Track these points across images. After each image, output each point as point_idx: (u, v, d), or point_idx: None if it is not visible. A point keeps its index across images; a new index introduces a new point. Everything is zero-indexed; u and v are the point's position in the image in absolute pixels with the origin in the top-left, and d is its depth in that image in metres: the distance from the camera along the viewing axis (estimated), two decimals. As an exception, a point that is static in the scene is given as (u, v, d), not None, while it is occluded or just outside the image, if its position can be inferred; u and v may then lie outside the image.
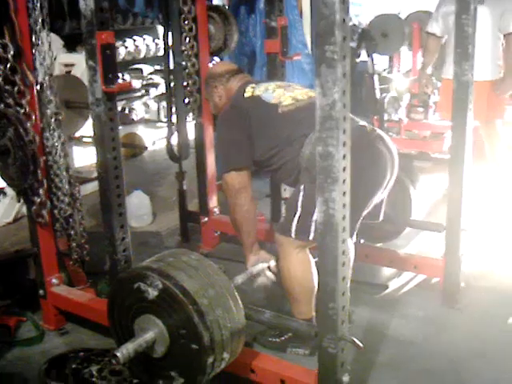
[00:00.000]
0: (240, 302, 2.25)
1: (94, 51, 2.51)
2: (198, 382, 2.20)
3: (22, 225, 4.23)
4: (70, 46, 6.47)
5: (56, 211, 3.04)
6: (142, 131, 7.42)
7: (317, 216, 2.44)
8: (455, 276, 3.24)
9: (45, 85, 2.93)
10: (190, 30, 3.58)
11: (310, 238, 2.66)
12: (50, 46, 2.97)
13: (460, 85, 2.99)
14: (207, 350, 2.11)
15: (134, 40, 8.34)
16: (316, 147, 2.03)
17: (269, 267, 2.92)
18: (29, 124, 2.80)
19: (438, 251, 3.36)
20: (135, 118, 8.11)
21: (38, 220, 2.96)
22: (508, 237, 4.09)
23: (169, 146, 3.75)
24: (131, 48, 8.23)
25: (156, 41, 8.67)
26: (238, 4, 5.09)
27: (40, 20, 2.89)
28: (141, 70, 8.42)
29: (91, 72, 2.55)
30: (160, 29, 8.79)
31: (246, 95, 2.99)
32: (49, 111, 2.96)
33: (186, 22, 3.55)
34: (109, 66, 2.52)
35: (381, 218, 3.01)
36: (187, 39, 3.59)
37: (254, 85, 3.05)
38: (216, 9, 3.84)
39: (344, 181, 2.04)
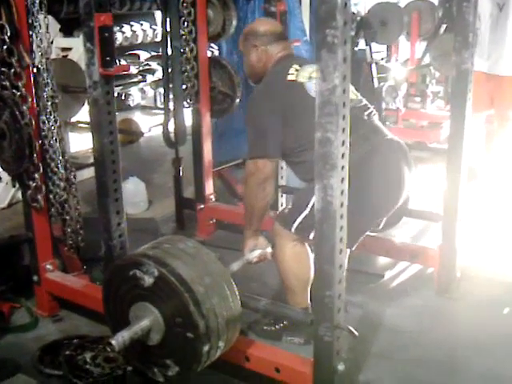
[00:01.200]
0: (236, 290, 2.23)
1: (91, 33, 2.48)
2: (193, 371, 2.19)
3: (17, 210, 4.20)
4: (67, 30, 6.41)
5: (51, 196, 3.02)
6: (138, 117, 7.39)
7: None
8: (451, 266, 3.24)
9: (42, 67, 2.90)
10: (189, 14, 3.55)
11: (310, 237, 2.61)
12: (47, 28, 2.94)
13: (460, 74, 2.97)
14: (203, 339, 2.09)
15: (131, 25, 8.27)
16: (315, 132, 2.01)
17: (265, 254, 2.89)
18: (25, 107, 2.76)
19: (435, 241, 3.35)
20: (131, 104, 8.07)
21: (33, 205, 2.93)
22: (504, 227, 4.08)
23: (165, 132, 3.72)
24: (128, 33, 8.15)
25: (153, 26, 8.60)
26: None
27: (37, 1, 2.86)
28: (138, 56, 8.36)
29: (89, 54, 2.52)
30: (157, 14, 8.74)
31: (289, 78, 2.79)
32: (45, 94, 2.94)
33: (185, 6, 3.52)
34: (107, 48, 2.49)
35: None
36: (186, 24, 3.55)
37: (298, 66, 2.83)
38: (215, -8, 3.80)
39: (343, 167, 2.02)
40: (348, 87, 1.98)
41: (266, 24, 3.05)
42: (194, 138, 3.90)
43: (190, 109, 3.83)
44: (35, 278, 3.11)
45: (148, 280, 2.13)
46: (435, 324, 3.07)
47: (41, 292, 3.14)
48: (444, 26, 6.87)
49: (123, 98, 7.93)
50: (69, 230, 3.13)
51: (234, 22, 3.81)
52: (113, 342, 2.11)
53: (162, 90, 8.13)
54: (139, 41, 8.41)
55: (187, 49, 3.60)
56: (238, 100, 3.80)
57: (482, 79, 4.47)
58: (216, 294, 2.15)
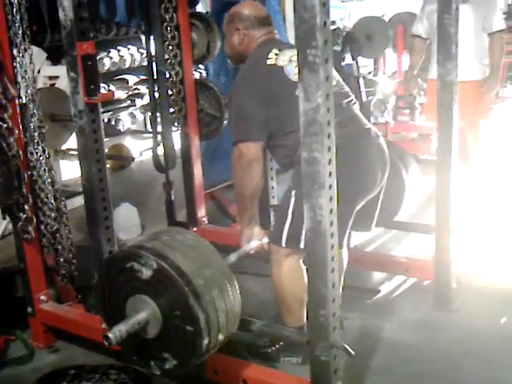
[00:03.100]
0: (236, 282, 2.21)
1: (74, 62, 2.50)
2: (191, 364, 2.17)
3: (10, 242, 4.17)
4: (54, 58, 6.43)
5: (42, 227, 3.00)
6: (129, 142, 7.38)
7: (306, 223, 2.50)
8: (446, 277, 3.22)
9: (27, 98, 2.89)
10: (173, 38, 3.55)
11: (301, 246, 2.61)
12: (31, 58, 2.94)
13: (444, 85, 2.98)
14: (202, 332, 2.06)
15: (119, 50, 8.29)
16: (302, 152, 2.01)
17: (262, 245, 2.85)
18: (12, 139, 2.76)
19: (428, 253, 3.34)
20: (122, 129, 8.07)
21: (25, 236, 2.92)
22: (496, 237, 4.08)
23: (155, 156, 3.72)
24: (116, 58, 8.17)
25: (140, 50, 8.62)
26: (220, 11, 5.05)
27: (20, 32, 2.86)
28: (126, 81, 8.38)
29: (73, 84, 2.53)
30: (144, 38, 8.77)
31: (269, 62, 2.77)
32: (32, 125, 2.92)
33: (169, 30, 3.52)
34: (90, 76, 2.50)
35: (372, 228, 2.98)
36: (170, 47, 3.56)
37: (277, 50, 2.80)
38: (198, 16, 3.81)
39: (330, 186, 2.02)
40: (332, 106, 1.99)
41: (251, 7, 3.00)
42: (183, 161, 3.90)
43: (179, 132, 3.82)
44: (29, 309, 3.09)
45: (146, 272, 2.10)
46: (434, 337, 3.05)
47: (36, 323, 3.11)
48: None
49: (113, 123, 7.93)
50: (61, 259, 3.10)
51: (219, 44, 3.81)
52: (110, 335, 2.07)
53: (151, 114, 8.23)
54: (127, 65, 8.43)
55: (173, 72, 3.60)
56: (225, 121, 3.79)
57: None
58: (216, 286, 2.12)
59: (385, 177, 2.83)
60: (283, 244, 2.69)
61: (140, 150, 6.89)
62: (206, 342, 2.08)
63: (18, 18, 2.83)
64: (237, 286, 2.21)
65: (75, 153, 6.43)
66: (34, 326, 3.13)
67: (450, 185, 3.08)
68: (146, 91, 7.98)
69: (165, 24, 3.53)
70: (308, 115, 1.95)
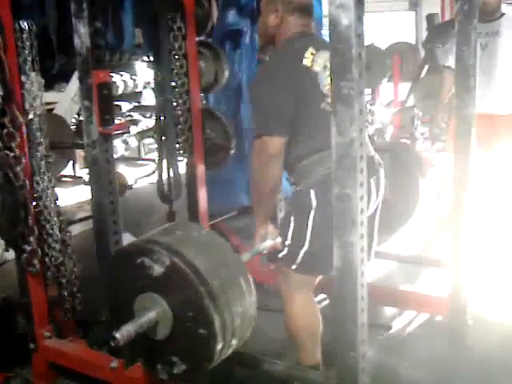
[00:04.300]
0: (252, 283, 2.08)
1: (89, 91, 2.41)
2: (203, 370, 2.04)
3: (6, 271, 4.06)
4: (47, 83, 6.31)
5: (47, 259, 2.89)
6: (122, 169, 7.27)
7: (306, 249, 2.53)
8: (462, 315, 3.14)
9: (35, 127, 2.80)
10: (181, 66, 3.48)
11: (293, 267, 2.58)
12: (39, 85, 2.86)
13: (462, 118, 2.94)
14: (217, 336, 1.92)
15: (112, 76, 8.23)
16: (332, 188, 1.94)
17: (276, 244, 2.71)
18: (19, 168, 2.67)
19: (440, 287, 3.28)
20: (115, 156, 7.96)
21: (29, 269, 2.80)
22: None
23: (160, 187, 3.62)
24: (109, 85, 8.11)
25: (133, 77, 8.58)
26: (223, 40, 5.02)
27: (29, 59, 2.78)
28: (119, 107, 8.31)
29: (86, 113, 2.46)
30: (138, 65, 8.73)
31: (305, 63, 2.58)
32: (39, 154, 2.83)
33: (177, 59, 3.45)
34: (105, 106, 2.44)
35: (371, 257, 2.87)
36: (178, 76, 3.49)
37: (314, 50, 2.60)
38: (206, 45, 3.75)
39: (362, 223, 1.94)
40: (365, 140, 1.92)
41: None
42: (188, 191, 3.80)
43: (184, 162, 3.74)
44: (32, 345, 2.96)
45: (158, 269, 1.97)
46: (450, 375, 2.97)
47: (38, 360, 2.97)
48: (426, 68, 6.95)
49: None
50: (65, 293, 2.99)
51: (226, 73, 3.75)
52: (117, 335, 1.94)
53: (146, 141, 8.15)
54: (120, 92, 8.37)
55: (180, 101, 3.52)
56: (232, 151, 3.72)
57: None
58: (232, 287, 2.00)
59: (377, 208, 2.75)
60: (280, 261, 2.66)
61: (134, 177, 6.82)
62: (219, 346, 1.95)
63: (27, 44, 2.76)
64: (253, 288, 2.08)
65: (69, 179, 6.37)
66: (36, 362, 2.99)
67: (467, 219, 3.02)
68: (140, 118, 7.96)
69: (173, 52, 3.46)
70: (341, 149, 1.88)
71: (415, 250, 4.42)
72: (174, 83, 3.50)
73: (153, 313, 2.00)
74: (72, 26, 2.60)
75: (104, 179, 2.48)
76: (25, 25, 2.77)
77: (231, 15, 5.03)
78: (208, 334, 1.93)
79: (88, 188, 2.76)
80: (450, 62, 4.87)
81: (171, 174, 3.58)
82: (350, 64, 1.81)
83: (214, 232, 2.20)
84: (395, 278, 3.90)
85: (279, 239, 2.68)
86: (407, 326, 3.47)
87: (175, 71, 3.48)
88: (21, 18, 2.78)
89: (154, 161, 7.44)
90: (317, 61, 2.60)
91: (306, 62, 2.59)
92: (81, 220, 5.26)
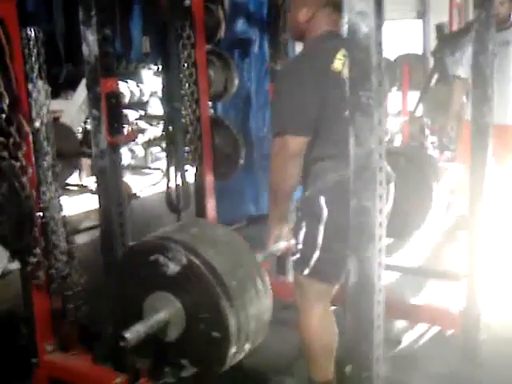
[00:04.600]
0: (268, 284, 2.01)
1: (97, 99, 2.35)
2: (213, 374, 1.96)
3: (10, 281, 4.00)
4: (53, 91, 6.26)
5: (52, 271, 2.83)
6: (128, 178, 7.22)
7: (318, 255, 2.51)
8: (475, 330, 3.07)
9: (42, 136, 2.74)
10: (191, 75, 3.43)
11: (305, 272, 2.54)
12: (46, 94, 2.80)
13: (479, 128, 2.87)
14: (231, 340, 1.86)
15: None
16: (350, 201, 1.87)
17: (290, 246, 2.64)
18: (25, 178, 2.61)
19: (452, 300, 3.21)
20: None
21: (34, 281, 2.74)
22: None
23: (168, 196, 3.56)
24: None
25: (140, 85, 8.53)
26: (231, 48, 4.96)
27: (36, 67, 2.73)
28: (126, 116, 8.25)
29: (95, 122, 2.39)
30: (144, 73, 8.68)
31: (336, 66, 2.49)
32: (45, 163, 2.77)
33: (186, 67, 3.40)
34: (114, 115, 2.37)
35: None
36: (187, 85, 3.43)
37: (345, 52, 2.46)
38: (216, 53, 3.69)
39: (380, 238, 1.87)
40: (384, 151, 1.85)
41: None
42: (197, 201, 3.74)
43: (193, 171, 3.68)
44: (34, 360, 2.89)
45: (173, 268, 1.90)
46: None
47: (40, 376, 2.90)
48: (435, 77, 6.90)
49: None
50: (71, 306, 2.92)
51: (236, 82, 3.70)
52: (127, 335, 1.86)
53: (153, 149, 8.09)
54: (126, 100, 8.31)
55: (189, 110, 3.46)
56: (241, 161, 3.66)
57: None
58: (249, 289, 1.94)
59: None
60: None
61: (140, 186, 6.76)
62: (233, 350, 1.88)
63: (34, 51, 2.70)
64: (270, 290, 2.02)
65: (74, 188, 6.30)
66: (37, 378, 2.92)
67: (482, 234, 2.95)
68: (147, 126, 7.90)
69: (182, 61, 3.41)
70: (359, 160, 1.81)
71: (426, 262, 4.34)
72: (183, 92, 3.45)
73: (164, 313, 1.93)
74: (79, 34, 2.54)
75: (112, 190, 2.41)
76: (32, 32, 2.72)
77: (240, 23, 4.97)
78: (222, 337, 1.87)
79: (94, 197, 2.71)
80: (461, 71, 4.82)
81: (180, 184, 3.52)
82: (369, 73, 1.74)
83: (230, 230, 2.13)
84: (405, 290, 3.81)
85: (293, 241, 2.61)
86: (418, 340, 3.39)
87: (184, 80, 3.43)
88: (28, 24, 2.74)
89: (160, 169, 7.41)
90: (348, 65, 2.51)
91: (337, 64, 2.50)
92: (87, 229, 5.21)
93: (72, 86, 5.44)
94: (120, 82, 7.97)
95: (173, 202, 3.58)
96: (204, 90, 3.52)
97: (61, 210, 2.84)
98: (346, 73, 2.46)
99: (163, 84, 3.48)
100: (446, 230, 4.84)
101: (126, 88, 8.32)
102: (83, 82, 4.75)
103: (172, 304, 1.92)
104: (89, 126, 2.42)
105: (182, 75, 3.41)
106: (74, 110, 4.81)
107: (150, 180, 6.93)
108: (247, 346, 1.96)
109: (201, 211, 3.74)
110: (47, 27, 4.00)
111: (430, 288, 3.92)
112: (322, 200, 2.48)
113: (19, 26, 2.65)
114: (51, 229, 2.80)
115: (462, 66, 4.82)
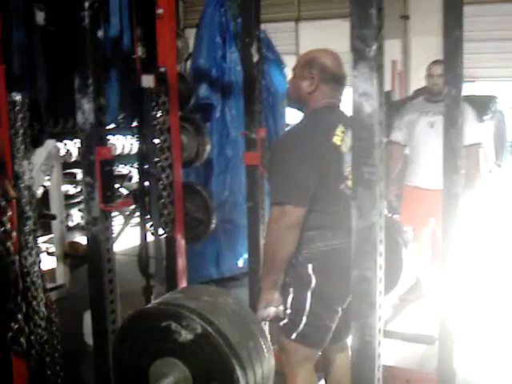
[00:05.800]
0: (273, 354, 2.06)
1: (92, 167, 2.38)
2: None
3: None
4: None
5: (32, 337, 2.78)
6: (78, 239, 7.11)
7: (305, 321, 2.59)
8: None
9: (25, 200, 2.74)
10: (165, 141, 3.47)
11: (293, 336, 2.61)
12: (29, 158, 2.81)
13: (449, 197, 3.00)
14: None
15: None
16: (352, 270, 1.95)
17: (279, 312, 2.67)
18: (9, 243, 2.60)
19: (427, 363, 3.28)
20: (69, 225, 7.82)
21: (15, 348, 2.70)
22: (500, 344, 4.06)
23: (142, 263, 3.55)
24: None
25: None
26: (193, 113, 5.04)
27: (21, 132, 2.74)
28: (74, 175, 8.21)
29: (88, 189, 2.41)
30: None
31: (334, 141, 2.60)
32: (27, 228, 2.76)
33: (160, 132, 3.45)
34: (108, 182, 2.40)
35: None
36: (161, 150, 3.47)
37: (343, 127, 2.62)
38: (188, 119, 3.77)
39: (380, 306, 1.95)
40: (383, 224, 1.95)
41: (334, 61, 2.73)
42: (168, 266, 3.74)
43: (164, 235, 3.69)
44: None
45: (186, 335, 1.90)
46: None
47: None
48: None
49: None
50: (49, 372, 2.87)
51: (208, 148, 3.77)
52: None
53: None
54: (73, 159, 8.24)
55: (163, 175, 3.50)
56: (213, 226, 3.70)
57: (420, 194, 4.89)
58: (258, 360, 1.96)
59: None
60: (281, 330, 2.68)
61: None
62: None
63: (19, 116, 2.73)
64: (272, 356, 2.06)
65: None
66: None
67: (455, 299, 3.05)
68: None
69: (157, 127, 3.45)
70: (361, 233, 1.90)
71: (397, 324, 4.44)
72: (156, 158, 3.49)
73: (172, 379, 1.94)
74: (62, 101, 2.59)
75: (103, 258, 2.42)
76: (18, 97, 2.75)
77: (202, 89, 5.09)
78: None
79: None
80: (394, 136, 5.08)
81: (153, 249, 3.52)
82: (372, 150, 1.85)
83: (238, 299, 2.16)
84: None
85: (282, 307, 2.65)
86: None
87: (159, 145, 3.47)
88: (13, 89, 2.76)
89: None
90: (345, 140, 2.62)
91: (336, 139, 2.61)
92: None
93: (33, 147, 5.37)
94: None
95: (147, 268, 3.58)
96: (177, 156, 3.56)
97: (41, 275, 2.82)
98: (343, 148, 2.61)
99: (139, 150, 3.51)
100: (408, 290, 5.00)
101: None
102: (47, 143, 4.78)
103: (180, 371, 1.94)
104: (83, 194, 2.42)
105: (156, 141, 3.45)
106: (34, 171, 4.77)
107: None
108: None
109: (172, 276, 3.74)
110: (30, 93, 3.98)
111: (404, 350, 4.00)
112: (310, 268, 2.56)
113: (6, 91, 2.67)
114: (32, 294, 2.77)
115: (401, 133, 5.06)
